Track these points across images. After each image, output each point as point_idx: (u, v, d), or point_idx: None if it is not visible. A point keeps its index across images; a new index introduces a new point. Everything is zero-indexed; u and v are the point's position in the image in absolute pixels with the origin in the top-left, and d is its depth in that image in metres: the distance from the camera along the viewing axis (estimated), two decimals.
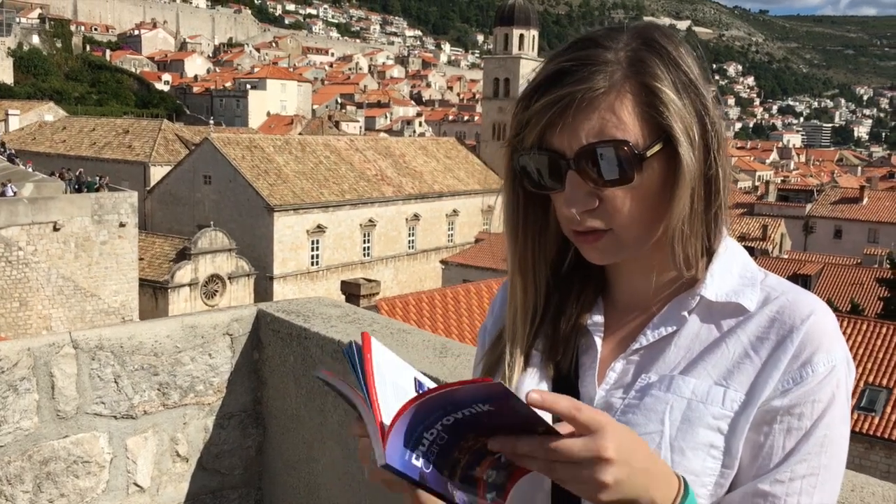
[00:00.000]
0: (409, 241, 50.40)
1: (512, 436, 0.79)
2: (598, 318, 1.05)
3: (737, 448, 0.92)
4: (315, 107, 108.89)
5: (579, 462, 0.78)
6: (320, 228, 44.25)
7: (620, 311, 1.05)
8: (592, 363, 1.02)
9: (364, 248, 47.15)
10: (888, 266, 34.06)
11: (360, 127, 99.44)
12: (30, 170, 34.53)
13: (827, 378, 0.91)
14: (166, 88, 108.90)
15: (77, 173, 36.08)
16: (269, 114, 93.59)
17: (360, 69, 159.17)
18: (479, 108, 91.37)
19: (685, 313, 0.99)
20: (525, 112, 0.95)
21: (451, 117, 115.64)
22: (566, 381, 1.02)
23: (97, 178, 34.93)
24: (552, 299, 1.06)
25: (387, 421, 0.78)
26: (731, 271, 1.00)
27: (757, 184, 71.44)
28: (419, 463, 0.79)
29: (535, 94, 0.94)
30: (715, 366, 0.96)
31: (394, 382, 0.84)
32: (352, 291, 19.15)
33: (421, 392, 0.81)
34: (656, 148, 0.92)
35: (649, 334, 1.00)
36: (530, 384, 1.03)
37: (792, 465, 0.91)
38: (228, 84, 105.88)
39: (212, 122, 74.05)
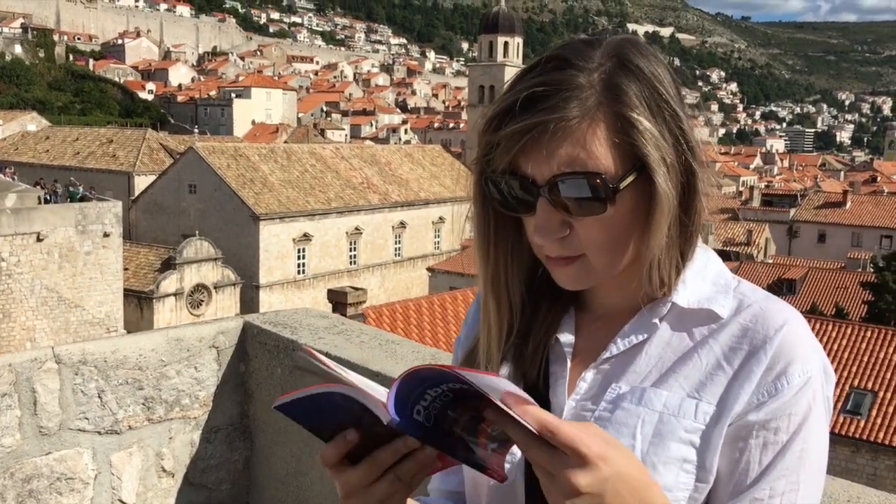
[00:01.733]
0: (396, 249, 50.31)
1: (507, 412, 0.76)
2: (569, 328, 1.03)
3: (711, 462, 0.91)
4: (300, 115, 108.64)
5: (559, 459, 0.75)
6: (306, 237, 44.10)
7: (591, 320, 1.04)
8: (563, 373, 1.01)
9: (351, 257, 47.02)
10: (872, 270, 34.36)
11: (346, 135, 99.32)
12: (9, 180, 34.17)
13: (802, 390, 0.90)
14: (150, 97, 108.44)
15: (68, 181, 35.73)
16: (254, 122, 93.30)
17: (345, 77, 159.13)
18: (464, 116, 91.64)
19: (656, 320, 0.97)
20: (495, 134, 0.92)
21: (436, 125, 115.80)
22: (536, 392, 1.00)
23: (80, 188, 34.60)
24: (524, 310, 1.04)
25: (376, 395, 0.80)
26: (703, 278, 0.98)
27: (741, 189, 71.70)
28: (420, 418, 0.80)
29: (506, 116, 0.91)
30: (687, 377, 0.94)
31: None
32: (339, 300, 19.07)
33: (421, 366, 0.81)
34: (630, 178, 0.90)
35: (619, 343, 0.98)
36: None
37: (771, 482, 0.89)
38: (213, 93, 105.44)
39: (196, 130, 73.84)
